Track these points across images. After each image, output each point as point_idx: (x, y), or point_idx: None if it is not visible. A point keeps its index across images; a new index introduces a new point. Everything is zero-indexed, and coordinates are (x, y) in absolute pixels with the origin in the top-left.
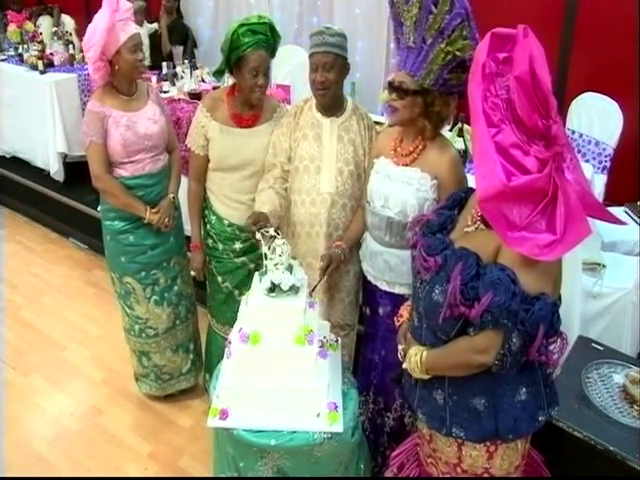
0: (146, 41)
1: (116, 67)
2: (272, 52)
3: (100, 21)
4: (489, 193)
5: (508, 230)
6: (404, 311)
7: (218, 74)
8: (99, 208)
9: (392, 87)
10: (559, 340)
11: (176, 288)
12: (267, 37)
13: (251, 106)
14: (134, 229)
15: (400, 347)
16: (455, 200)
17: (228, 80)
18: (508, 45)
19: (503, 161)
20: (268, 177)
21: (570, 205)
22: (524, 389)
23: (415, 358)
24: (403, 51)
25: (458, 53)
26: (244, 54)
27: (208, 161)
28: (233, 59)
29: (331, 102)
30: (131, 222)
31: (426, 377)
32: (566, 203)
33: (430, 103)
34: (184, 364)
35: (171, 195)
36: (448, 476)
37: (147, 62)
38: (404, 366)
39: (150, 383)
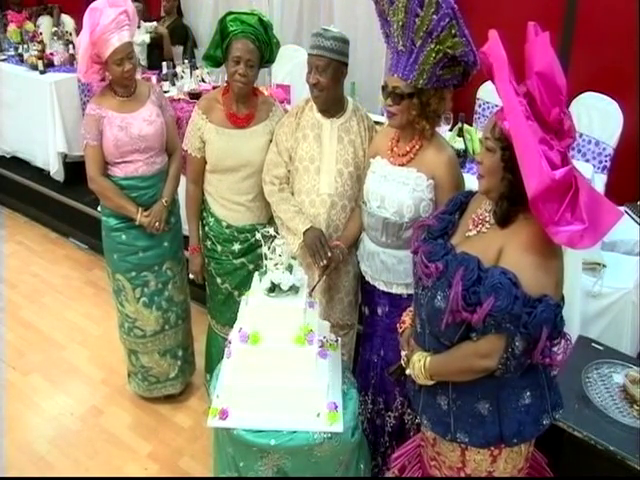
0: (147, 39)
1: (107, 74)
2: (267, 54)
3: (81, 40)
4: (540, 189)
5: (546, 226)
6: (406, 317)
7: (208, 61)
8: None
9: (386, 92)
10: (563, 341)
11: (167, 293)
12: (255, 29)
13: (245, 104)
14: (127, 228)
15: (403, 353)
16: (455, 204)
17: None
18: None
19: None
20: (272, 178)
21: (588, 193)
22: (528, 392)
23: (419, 364)
24: (393, 55)
25: (449, 50)
26: (230, 41)
27: (205, 163)
28: (224, 47)
29: (325, 104)
30: (124, 221)
31: (430, 383)
32: (584, 192)
33: (426, 103)
34: (171, 370)
35: (164, 199)
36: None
37: (144, 62)
38: (408, 372)
39: (138, 382)
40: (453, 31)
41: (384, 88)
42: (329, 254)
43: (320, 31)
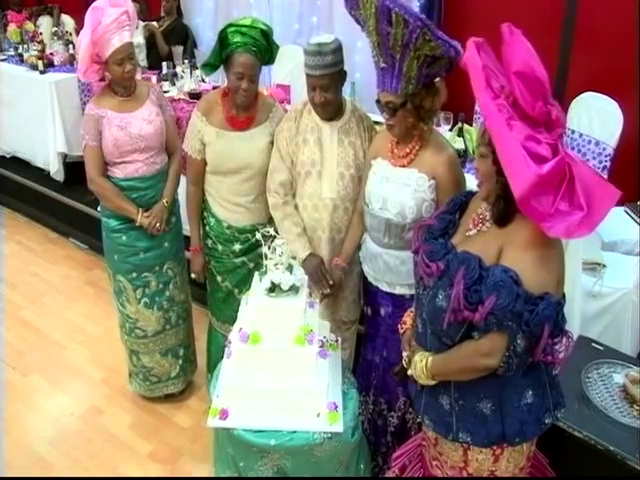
0: (141, 40)
1: (107, 73)
2: (266, 59)
3: (82, 39)
4: (526, 189)
5: (541, 222)
6: (407, 318)
7: (207, 68)
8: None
9: (380, 106)
10: (564, 339)
11: (168, 293)
12: (256, 41)
13: (245, 108)
14: (127, 230)
15: (405, 354)
16: (456, 204)
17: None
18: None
19: None
20: (277, 187)
21: (585, 176)
22: (530, 391)
23: (420, 364)
24: (378, 72)
25: (429, 53)
26: (232, 53)
27: (206, 164)
28: (224, 57)
29: (331, 114)
30: (124, 222)
31: (432, 383)
32: (581, 177)
33: (420, 105)
34: (172, 369)
35: (164, 200)
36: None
37: (143, 63)
38: (409, 372)
39: (140, 382)
40: (427, 37)
41: (378, 102)
42: (331, 282)
43: (315, 48)
